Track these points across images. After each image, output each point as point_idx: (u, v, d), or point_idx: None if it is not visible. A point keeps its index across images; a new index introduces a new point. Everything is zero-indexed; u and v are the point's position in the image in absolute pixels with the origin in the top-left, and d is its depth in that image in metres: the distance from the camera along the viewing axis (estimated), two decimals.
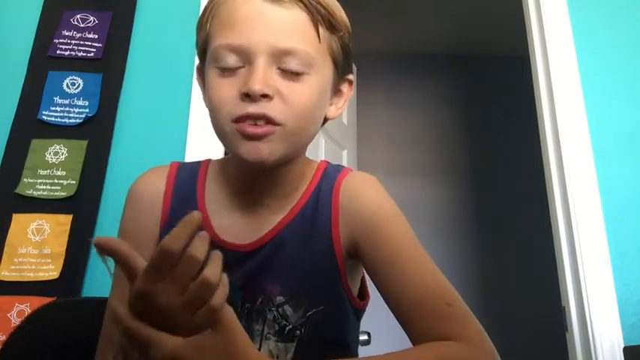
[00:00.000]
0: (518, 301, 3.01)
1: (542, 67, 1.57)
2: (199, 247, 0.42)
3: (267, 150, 0.59)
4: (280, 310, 0.63)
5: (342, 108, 0.70)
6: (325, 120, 0.69)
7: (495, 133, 3.39)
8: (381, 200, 0.66)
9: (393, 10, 3.09)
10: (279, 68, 0.59)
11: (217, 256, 0.43)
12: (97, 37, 1.59)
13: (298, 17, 0.60)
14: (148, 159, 1.48)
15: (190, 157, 1.45)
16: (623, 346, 1.26)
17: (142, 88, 1.56)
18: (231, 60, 0.59)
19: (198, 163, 0.74)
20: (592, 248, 1.35)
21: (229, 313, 0.46)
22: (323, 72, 0.63)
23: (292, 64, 0.59)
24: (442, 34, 3.35)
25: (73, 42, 1.58)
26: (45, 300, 1.33)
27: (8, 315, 1.31)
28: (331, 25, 0.63)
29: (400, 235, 0.64)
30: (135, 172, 1.49)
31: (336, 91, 0.68)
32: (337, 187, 0.67)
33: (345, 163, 2.25)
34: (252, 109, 0.58)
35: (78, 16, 1.62)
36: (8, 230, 1.38)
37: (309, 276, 0.65)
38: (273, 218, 0.66)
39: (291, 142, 0.61)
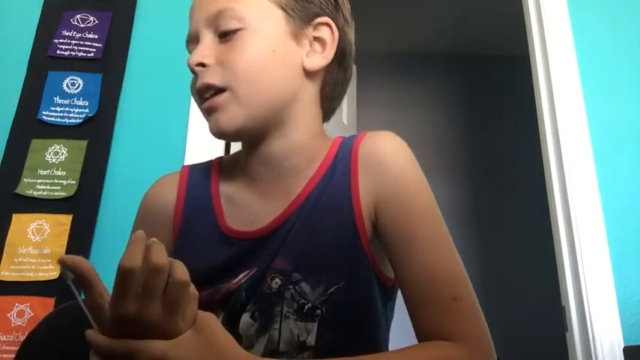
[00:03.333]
0: (518, 301, 3.01)
1: (542, 67, 1.57)
2: (158, 253, 0.43)
3: (225, 120, 0.60)
4: (297, 287, 0.60)
5: (329, 55, 0.65)
6: (309, 72, 0.64)
7: (495, 133, 3.39)
8: (407, 162, 0.62)
9: (393, 10, 3.09)
10: (218, 36, 0.61)
11: (156, 243, 0.44)
12: (96, 37, 1.59)
13: None
14: (147, 159, 1.49)
15: (190, 157, 1.45)
16: (623, 346, 1.25)
17: (142, 88, 1.56)
18: (192, 49, 0.63)
19: (209, 163, 0.73)
20: (592, 248, 1.35)
21: (208, 318, 0.47)
22: (266, 22, 0.61)
23: (224, 25, 0.60)
24: (442, 34, 3.35)
25: (73, 42, 1.58)
26: (45, 300, 1.34)
27: (8, 315, 1.31)
28: None
29: (421, 209, 0.60)
30: (135, 172, 1.50)
31: (314, 39, 0.64)
32: (355, 150, 0.63)
33: None
34: (198, 82, 0.60)
35: (78, 16, 1.62)
36: (8, 230, 1.38)
37: (327, 250, 0.61)
38: (288, 197, 0.63)
39: (247, 104, 0.60)
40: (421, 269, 0.57)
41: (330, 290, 0.60)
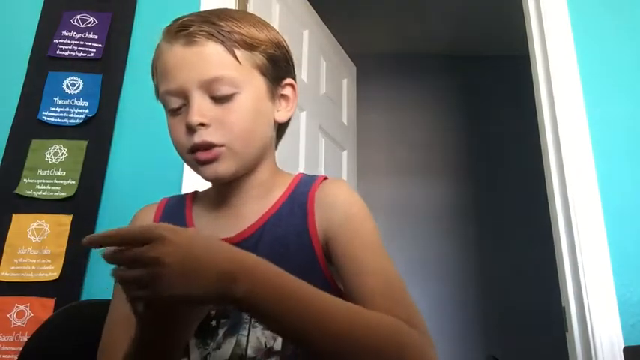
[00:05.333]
0: (519, 301, 3.01)
1: (542, 67, 1.57)
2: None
3: (221, 169, 0.69)
4: None
5: (292, 110, 0.78)
6: (279, 125, 0.78)
7: (495, 133, 3.39)
8: (353, 201, 0.73)
9: (393, 10, 3.10)
10: (212, 97, 0.68)
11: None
12: (97, 37, 1.59)
13: (214, 49, 0.69)
14: (147, 159, 1.49)
15: None
16: (623, 346, 1.26)
17: (142, 88, 1.56)
18: (174, 103, 0.70)
19: (186, 194, 0.84)
20: (592, 248, 1.35)
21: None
22: (252, 86, 0.71)
23: (220, 89, 0.68)
24: (442, 34, 3.35)
25: (73, 42, 1.58)
26: (45, 300, 1.34)
27: (8, 315, 1.31)
28: (248, 44, 0.71)
29: (368, 234, 0.71)
30: (135, 172, 1.50)
31: (281, 96, 0.77)
32: (313, 191, 0.74)
33: (345, 164, 2.25)
34: (196, 139, 0.68)
35: (78, 16, 1.62)
36: (8, 230, 1.38)
37: (291, 269, 0.67)
38: (251, 219, 0.73)
39: (240, 155, 0.70)
40: (374, 277, 0.66)
41: None
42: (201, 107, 0.67)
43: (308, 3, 2.04)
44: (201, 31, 0.69)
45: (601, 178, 1.42)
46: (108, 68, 1.56)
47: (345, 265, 0.68)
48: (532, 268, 2.97)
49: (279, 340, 0.66)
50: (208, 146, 0.68)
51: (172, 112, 0.71)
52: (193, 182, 1.41)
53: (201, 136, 0.67)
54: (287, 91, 0.77)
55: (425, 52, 3.54)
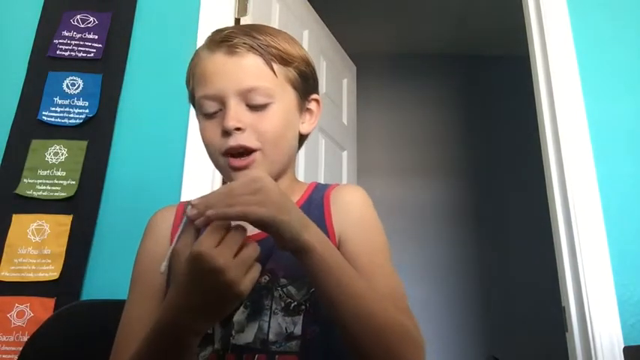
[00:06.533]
0: (519, 301, 3.01)
1: (542, 67, 1.57)
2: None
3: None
4: (285, 289, 0.72)
5: (315, 123, 0.85)
6: (301, 136, 0.83)
7: (495, 133, 3.39)
8: (367, 205, 0.79)
9: (393, 10, 3.10)
10: (247, 105, 0.74)
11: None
12: (96, 37, 1.59)
13: (253, 61, 0.75)
14: (147, 159, 1.49)
15: (190, 157, 1.45)
16: (623, 346, 1.26)
17: (142, 88, 1.56)
18: (210, 107, 0.75)
19: None
20: (592, 248, 1.35)
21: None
22: (285, 98, 0.77)
23: (256, 99, 0.73)
24: (442, 34, 3.35)
25: (73, 42, 1.58)
26: (45, 300, 1.34)
27: (8, 315, 1.31)
28: (284, 60, 0.77)
29: (379, 239, 0.76)
30: (135, 172, 1.50)
31: (306, 110, 0.83)
32: (328, 192, 0.80)
33: (345, 164, 2.25)
34: (232, 142, 0.73)
35: (78, 16, 1.62)
36: (8, 231, 1.38)
37: None
38: None
39: (271, 161, 0.75)
40: (383, 279, 0.70)
41: (312, 290, 0.72)
42: (237, 113, 0.72)
43: (308, 3, 2.04)
44: (244, 43, 0.74)
45: (601, 178, 1.42)
46: (108, 68, 1.56)
47: (356, 266, 0.70)
48: (532, 268, 2.97)
49: (300, 325, 0.70)
50: (243, 152, 0.73)
51: (207, 116, 0.75)
52: (193, 182, 1.42)
53: (237, 140, 0.72)
54: (312, 105, 0.84)
55: (425, 52, 3.54)
